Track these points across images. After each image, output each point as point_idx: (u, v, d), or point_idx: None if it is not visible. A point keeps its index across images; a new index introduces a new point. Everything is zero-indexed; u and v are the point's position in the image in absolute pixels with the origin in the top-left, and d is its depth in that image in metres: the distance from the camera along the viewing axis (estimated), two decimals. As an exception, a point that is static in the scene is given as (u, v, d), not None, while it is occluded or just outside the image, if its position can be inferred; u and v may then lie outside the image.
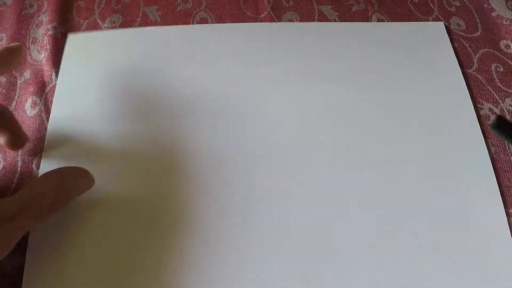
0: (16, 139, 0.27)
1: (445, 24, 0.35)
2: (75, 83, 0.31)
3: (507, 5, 0.36)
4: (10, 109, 0.31)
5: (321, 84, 0.32)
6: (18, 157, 0.29)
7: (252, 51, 0.33)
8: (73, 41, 0.34)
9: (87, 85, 0.31)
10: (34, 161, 0.29)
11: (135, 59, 0.33)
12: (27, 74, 0.33)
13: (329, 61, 0.33)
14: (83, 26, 0.35)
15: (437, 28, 0.35)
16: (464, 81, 0.32)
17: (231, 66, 0.32)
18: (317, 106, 0.30)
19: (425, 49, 0.33)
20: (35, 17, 0.36)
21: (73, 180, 0.24)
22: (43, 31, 0.35)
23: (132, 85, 0.31)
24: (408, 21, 0.36)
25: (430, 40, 0.34)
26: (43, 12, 0.36)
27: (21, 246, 0.25)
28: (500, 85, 0.32)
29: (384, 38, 0.34)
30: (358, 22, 0.36)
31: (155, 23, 0.36)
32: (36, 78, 0.32)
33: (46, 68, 0.33)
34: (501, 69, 0.33)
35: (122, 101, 0.31)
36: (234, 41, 0.34)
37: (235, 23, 0.35)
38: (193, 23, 0.35)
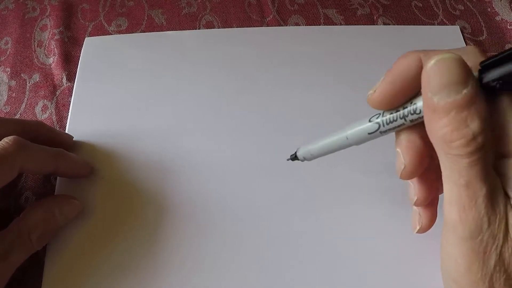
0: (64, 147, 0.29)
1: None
2: (93, 86, 0.34)
3: (511, 7, 0.39)
4: (19, 112, 0.34)
5: (332, 88, 0.34)
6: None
7: (264, 55, 0.36)
8: (90, 44, 0.37)
9: (105, 88, 0.34)
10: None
11: (152, 64, 0.36)
12: (36, 76, 0.36)
13: (341, 65, 0.36)
14: (88, 30, 0.38)
15: (453, 32, 0.38)
16: None
17: (249, 70, 0.35)
18: (327, 109, 0.33)
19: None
20: (39, 21, 0.39)
21: (59, 210, 0.27)
22: (49, 35, 0.38)
23: (150, 89, 0.34)
24: (413, 25, 0.39)
25: (446, 44, 0.37)
26: (47, 16, 0.39)
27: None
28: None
29: (399, 41, 0.37)
30: (372, 25, 0.39)
31: (161, 27, 0.38)
32: (46, 82, 0.35)
33: (56, 72, 0.36)
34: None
35: (139, 105, 0.33)
36: (252, 45, 0.37)
37: (251, 27, 0.38)
38: (199, 27, 0.38)
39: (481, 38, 0.38)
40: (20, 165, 0.24)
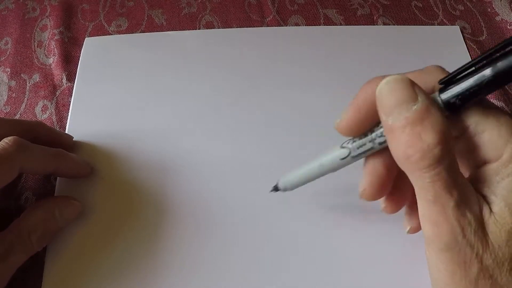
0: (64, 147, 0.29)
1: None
2: (93, 86, 0.34)
3: (511, 7, 0.39)
4: (19, 112, 0.34)
5: (332, 88, 0.34)
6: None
7: (264, 55, 0.36)
8: (90, 44, 0.37)
9: (105, 88, 0.34)
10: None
11: (152, 64, 0.36)
12: (36, 77, 0.36)
13: (341, 65, 0.36)
14: (88, 30, 0.38)
15: (453, 32, 0.38)
16: None
17: (249, 70, 0.35)
18: (327, 110, 0.33)
19: (441, 53, 0.36)
20: (39, 21, 0.39)
21: (58, 211, 0.27)
22: (49, 35, 0.38)
23: (150, 90, 0.34)
24: (413, 25, 0.39)
25: (445, 43, 0.37)
26: (47, 16, 0.39)
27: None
28: (508, 88, 0.35)
29: (399, 41, 0.37)
30: (372, 26, 0.39)
31: (161, 27, 0.38)
32: (46, 82, 0.35)
33: (56, 72, 0.36)
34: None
35: (139, 105, 0.33)
36: (252, 45, 0.37)
37: (251, 28, 0.39)
38: (199, 27, 0.38)
39: (481, 38, 0.38)
40: (20, 165, 0.25)
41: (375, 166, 0.21)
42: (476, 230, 0.17)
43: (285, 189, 0.25)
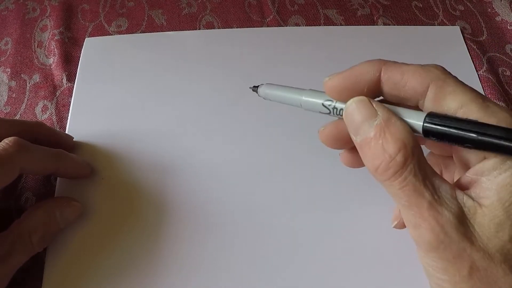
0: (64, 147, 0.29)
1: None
2: (93, 87, 0.34)
3: (511, 8, 0.39)
4: (19, 112, 0.34)
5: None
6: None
7: (264, 55, 0.36)
8: (90, 45, 0.37)
9: (105, 89, 0.34)
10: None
11: (152, 64, 0.36)
12: (36, 77, 0.36)
13: (341, 66, 0.35)
14: (89, 30, 0.38)
15: (453, 32, 0.38)
16: (480, 84, 0.35)
17: (249, 70, 0.35)
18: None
19: (441, 53, 0.37)
20: (39, 21, 0.39)
21: (59, 212, 0.27)
22: (49, 35, 0.38)
23: (150, 90, 0.34)
24: (414, 25, 0.39)
25: (445, 44, 0.37)
26: (47, 16, 0.39)
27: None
28: (508, 88, 0.35)
29: (399, 41, 0.37)
30: (372, 26, 0.39)
31: (161, 27, 0.39)
32: (46, 82, 0.35)
33: (56, 72, 0.36)
34: (508, 73, 0.36)
35: (140, 106, 0.33)
36: (252, 45, 0.37)
37: (251, 28, 0.39)
38: (199, 27, 0.39)
39: (481, 39, 0.38)
40: (21, 166, 0.25)
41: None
42: (458, 226, 0.17)
43: (262, 96, 0.25)
